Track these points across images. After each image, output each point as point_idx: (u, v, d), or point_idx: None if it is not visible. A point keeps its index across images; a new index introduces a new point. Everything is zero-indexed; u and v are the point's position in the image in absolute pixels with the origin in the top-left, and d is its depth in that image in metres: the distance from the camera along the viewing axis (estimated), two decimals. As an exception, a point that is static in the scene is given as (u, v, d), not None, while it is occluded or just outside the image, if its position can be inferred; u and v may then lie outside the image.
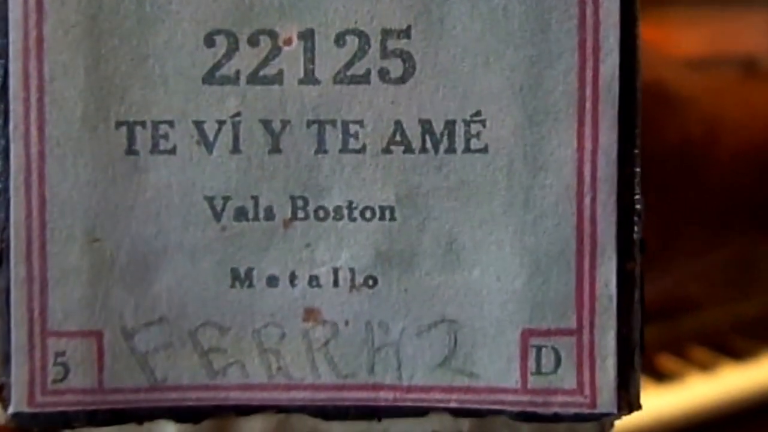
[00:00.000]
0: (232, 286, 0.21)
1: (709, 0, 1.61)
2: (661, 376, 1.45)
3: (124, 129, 0.20)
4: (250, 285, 0.21)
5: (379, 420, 0.21)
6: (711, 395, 1.44)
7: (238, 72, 0.20)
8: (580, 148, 0.20)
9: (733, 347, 1.55)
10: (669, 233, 0.29)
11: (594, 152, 0.20)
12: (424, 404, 0.21)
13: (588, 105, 0.20)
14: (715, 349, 1.54)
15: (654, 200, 0.23)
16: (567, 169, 0.20)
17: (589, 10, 0.20)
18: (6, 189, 0.20)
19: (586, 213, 0.20)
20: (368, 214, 0.20)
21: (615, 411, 0.22)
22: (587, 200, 0.20)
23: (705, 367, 1.50)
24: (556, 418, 0.22)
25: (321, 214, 0.21)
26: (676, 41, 1.59)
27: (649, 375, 1.43)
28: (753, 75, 1.68)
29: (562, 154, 0.20)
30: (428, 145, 0.20)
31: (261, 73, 0.20)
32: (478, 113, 0.20)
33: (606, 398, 0.22)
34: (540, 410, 0.21)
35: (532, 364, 0.21)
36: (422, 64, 0.20)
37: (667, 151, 0.29)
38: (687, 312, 1.56)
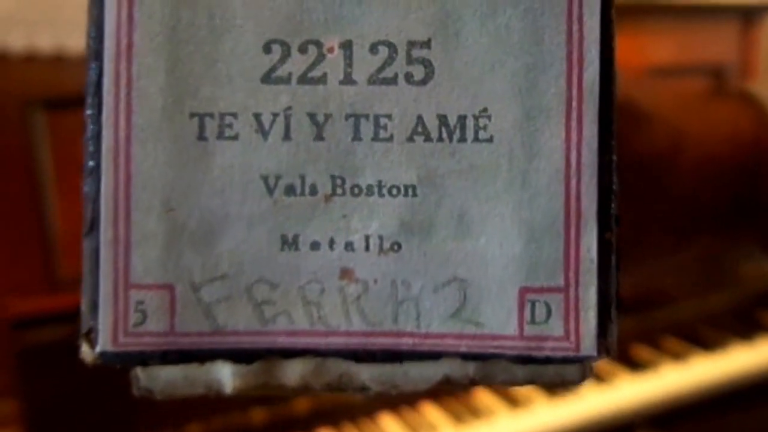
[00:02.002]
0: (282, 249, 0.24)
1: (679, 11, 1.64)
2: (635, 365, 1.48)
3: (196, 119, 0.24)
4: (296, 249, 0.24)
5: (401, 362, 0.25)
6: (682, 383, 1.47)
7: (290, 74, 0.24)
8: (568, 139, 0.23)
9: (703, 338, 1.58)
10: (639, 235, 0.32)
11: (579, 143, 0.23)
12: (439, 349, 0.24)
13: (574, 104, 0.23)
14: (686, 339, 1.57)
15: (625, 204, 0.27)
16: (557, 156, 0.24)
17: (575, 28, 0.24)
18: (97, 167, 0.24)
19: (573, 192, 0.24)
20: (394, 191, 0.24)
21: (595, 354, 0.25)
22: (573, 182, 0.24)
23: (677, 356, 1.52)
24: (546, 361, 0.25)
25: (356, 190, 0.24)
26: (646, 51, 1.62)
27: (624, 364, 1.47)
28: (720, 85, 1.71)
29: (553, 143, 0.23)
30: (444, 135, 0.24)
31: (309, 75, 0.24)
32: (485, 110, 0.24)
33: (588, 344, 0.25)
34: (534, 354, 0.25)
35: (527, 315, 0.24)
36: (440, 70, 0.24)
37: (636, 162, 0.31)
38: (660, 305, 1.58)
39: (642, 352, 1.54)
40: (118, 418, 1.15)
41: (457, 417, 1.30)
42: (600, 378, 1.43)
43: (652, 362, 1.50)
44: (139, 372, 0.25)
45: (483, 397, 1.33)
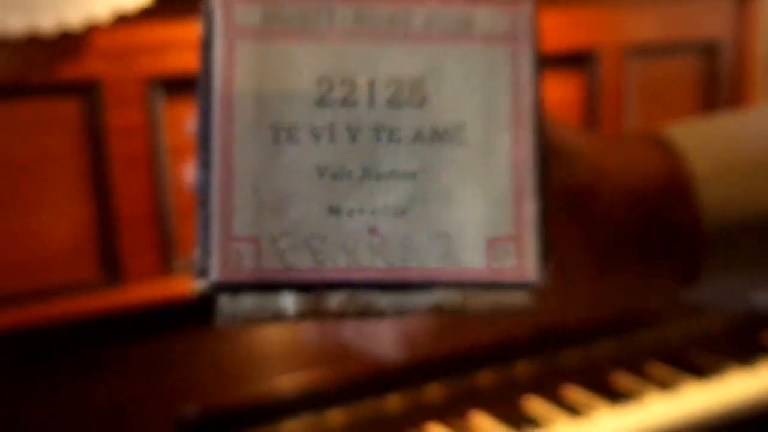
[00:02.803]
0: (329, 215, 0.49)
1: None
2: (616, 395, 1.65)
3: (273, 129, 0.50)
4: (339, 215, 0.49)
5: (408, 291, 0.50)
6: (671, 415, 1.60)
7: (334, 100, 0.50)
8: (515, 142, 0.50)
9: (695, 363, 1.75)
10: (563, 258, 0.55)
11: (522, 144, 0.50)
12: (434, 280, 0.49)
13: (519, 120, 0.50)
14: (675, 365, 1.75)
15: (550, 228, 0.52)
16: (509, 153, 0.50)
17: (515, 70, 0.50)
18: (208, 161, 0.49)
19: (519, 176, 0.49)
20: (403, 176, 0.50)
21: (537, 280, 0.50)
22: (519, 170, 0.50)
23: (664, 384, 1.68)
24: (506, 286, 0.50)
25: (378, 175, 0.50)
26: (626, 27, 1.88)
27: (603, 394, 1.65)
28: (713, 65, 1.94)
29: (506, 145, 0.49)
30: (435, 140, 0.50)
31: (346, 101, 0.50)
32: (463, 123, 0.50)
33: (532, 272, 0.50)
34: (497, 280, 0.50)
35: (492, 255, 0.50)
36: (431, 97, 0.50)
37: (560, 191, 0.54)
38: (645, 326, 1.80)
39: (623, 379, 1.71)
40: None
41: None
42: (576, 410, 1.60)
43: (635, 391, 1.66)
44: (226, 302, 0.50)
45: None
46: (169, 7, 1.50)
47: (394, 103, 0.49)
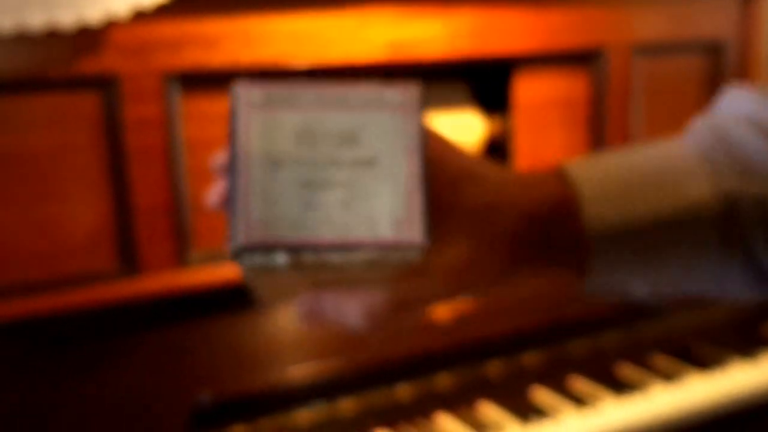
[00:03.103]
0: (304, 208, 0.65)
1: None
2: (620, 386, 1.69)
3: (272, 161, 0.65)
4: (309, 207, 0.65)
5: (349, 251, 0.66)
6: (675, 406, 1.64)
7: (306, 143, 0.66)
8: (409, 165, 0.66)
9: (698, 354, 1.80)
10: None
11: (414, 165, 0.66)
12: (364, 244, 0.66)
13: (410, 152, 0.66)
14: (679, 356, 1.80)
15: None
16: (405, 170, 0.66)
17: (407, 126, 0.67)
18: (234, 179, 0.64)
19: (411, 184, 0.65)
20: (345, 185, 0.65)
21: (422, 244, 0.66)
22: (412, 180, 0.66)
23: (668, 376, 1.72)
24: (405, 247, 0.66)
25: (331, 187, 0.65)
26: (633, 26, 1.93)
27: (608, 385, 1.69)
28: (718, 64, 1.99)
29: (404, 166, 0.66)
30: (363, 164, 0.66)
31: (312, 146, 0.66)
32: (380, 155, 0.66)
33: (421, 237, 0.65)
34: (400, 242, 0.66)
35: (397, 229, 0.66)
36: (361, 141, 0.66)
37: (467, 210, 0.73)
38: (649, 318, 1.84)
39: (628, 370, 1.76)
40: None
41: None
42: (581, 400, 1.65)
43: (640, 382, 1.71)
44: (247, 258, 0.66)
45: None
46: (185, 5, 1.57)
47: (339, 144, 0.68)
